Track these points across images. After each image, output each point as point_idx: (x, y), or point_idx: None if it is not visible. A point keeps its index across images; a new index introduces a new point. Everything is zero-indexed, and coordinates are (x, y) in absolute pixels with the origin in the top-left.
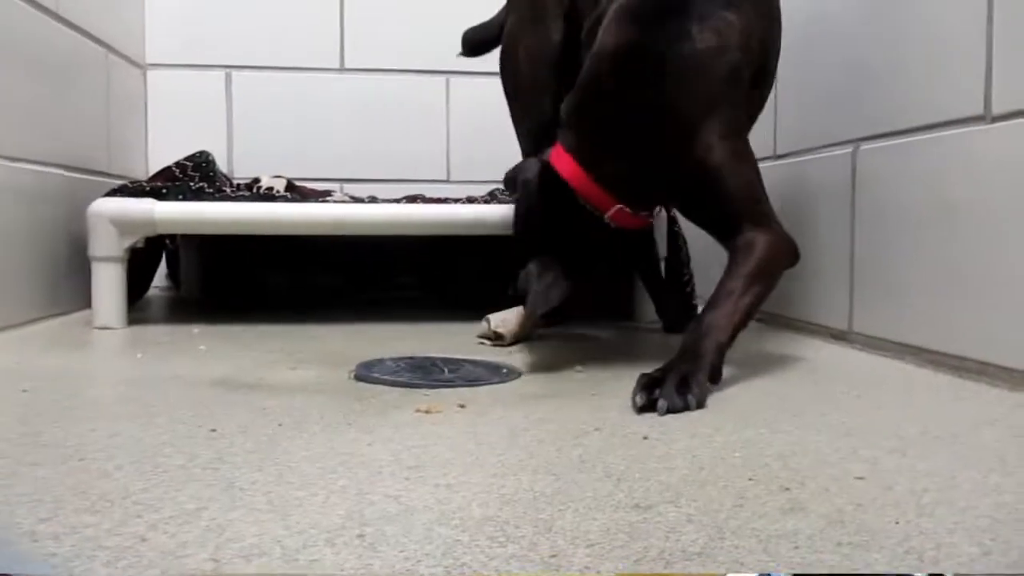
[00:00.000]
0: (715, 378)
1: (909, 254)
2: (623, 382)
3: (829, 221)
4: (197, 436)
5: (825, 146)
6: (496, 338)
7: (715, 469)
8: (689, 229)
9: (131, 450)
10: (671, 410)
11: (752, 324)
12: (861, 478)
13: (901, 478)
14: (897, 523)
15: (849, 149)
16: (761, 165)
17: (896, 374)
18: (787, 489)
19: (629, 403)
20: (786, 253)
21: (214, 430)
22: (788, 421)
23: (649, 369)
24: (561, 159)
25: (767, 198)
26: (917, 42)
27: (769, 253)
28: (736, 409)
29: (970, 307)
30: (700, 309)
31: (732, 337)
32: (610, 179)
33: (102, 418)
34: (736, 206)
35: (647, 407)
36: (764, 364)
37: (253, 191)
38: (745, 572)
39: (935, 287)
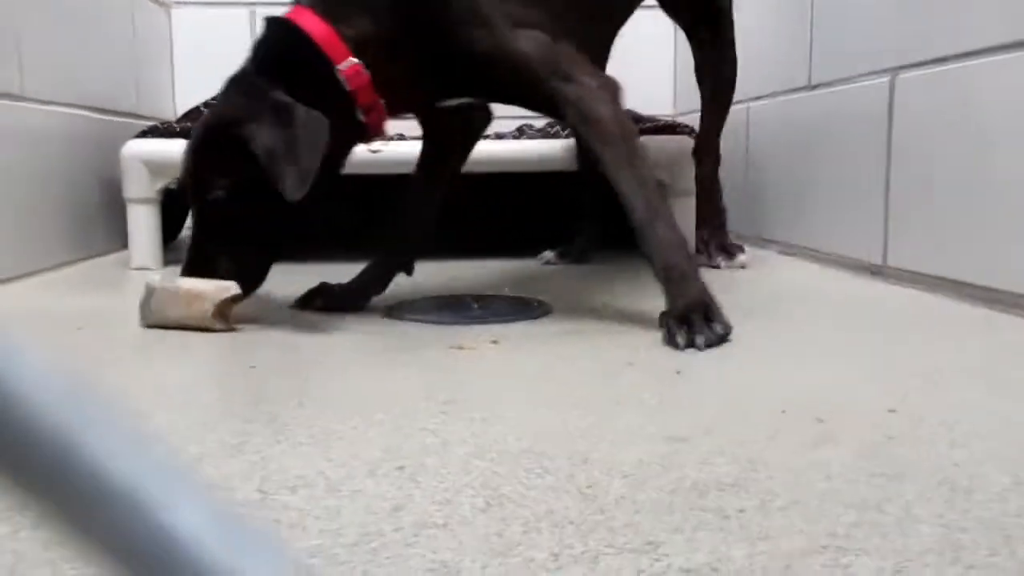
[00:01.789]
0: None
1: (946, 186)
2: (652, 317)
3: (863, 152)
4: (236, 373)
5: (862, 75)
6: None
7: (747, 403)
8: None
9: (173, 389)
10: (710, 344)
11: (781, 257)
12: (893, 411)
13: (933, 410)
14: (928, 455)
15: (886, 78)
16: (794, 96)
17: (930, 308)
18: (820, 421)
19: (659, 338)
20: (617, 104)
21: (253, 367)
22: (820, 355)
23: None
24: (298, 12)
25: (570, 52)
26: None
27: (614, 127)
28: (767, 344)
29: (1007, 239)
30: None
31: (684, 240)
32: (356, 39)
33: (142, 356)
34: (538, 80)
35: (689, 344)
36: (795, 298)
37: None
38: (778, 502)
39: (972, 219)
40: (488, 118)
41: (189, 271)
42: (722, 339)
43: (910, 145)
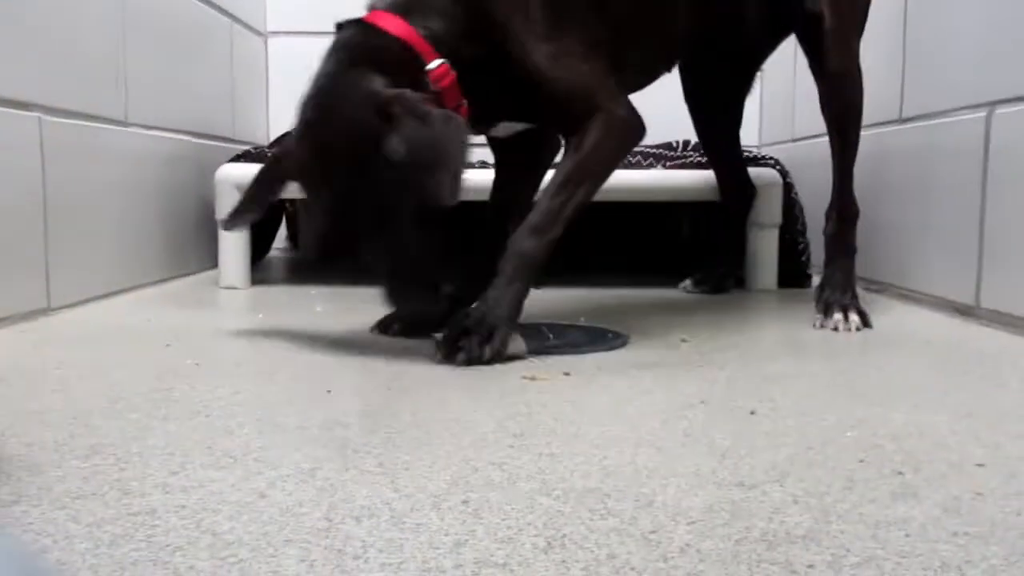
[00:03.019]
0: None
1: None
2: (729, 353)
3: (957, 188)
4: (313, 396)
5: (956, 109)
6: None
7: (824, 449)
8: (807, 198)
9: (252, 408)
10: (470, 362)
11: (868, 295)
12: (982, 464)
13: None
14: (1019, 515)
15: (983, 113)
16: (885, 129)
17: None
18: (900, 473)
19: (736, 375)
20: (617, 140)
21: (329, 391)
22: (905, 400)
23: (755, 339)
24: (377, 15)
25: (600, 86)
26: None
27: (588, 151)
28: (849, 385)
29: None
30: (815, 281)
31: (538, 266)
32: (436, 42)
33: (226, 376)
34: (568, 106)
35: (448, 359)
36: (881, 338)
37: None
38: (852, 558)
39: None
40: (556, 148)
41: (390, 305)
42: (481, 362)
43: (1006, 182)
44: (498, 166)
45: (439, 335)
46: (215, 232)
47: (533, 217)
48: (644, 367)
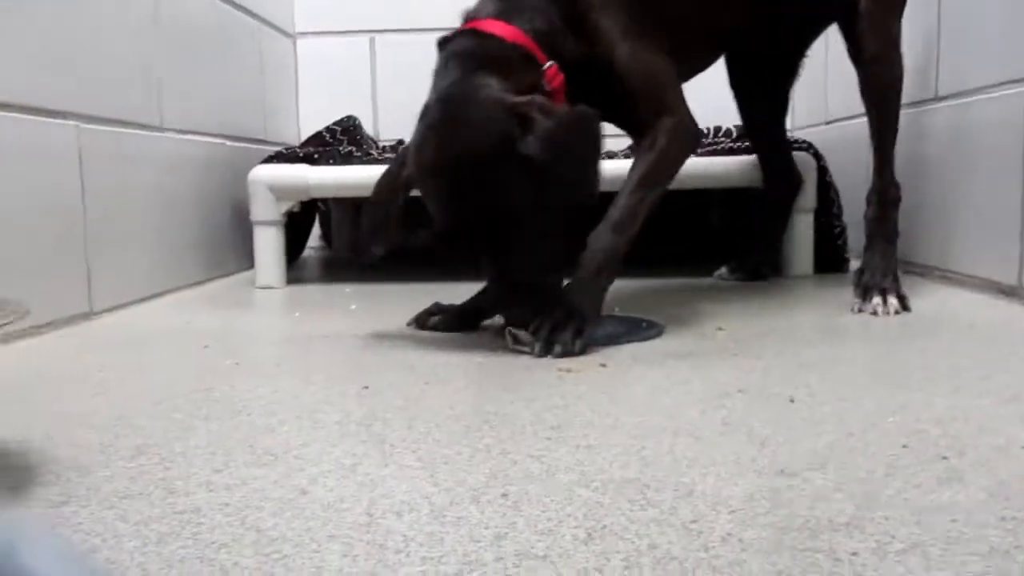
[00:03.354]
0: (597, 300)
1: None
2: (766, 341)
3: (997, 167)
4: (351, 393)
5: (994, 85)
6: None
7: (866, 435)
8: (842, 181)
9: (291, 406)
10: (565, 354)
11: (908, 277)
12: None
13: None
14: None
15: (1022, 88)
16: (920, 108)
17: None
18: (944, 458)
19: (773, 363)
20: (683, 142)
21: (366, 387)
22: (947, 383)
23: (791, 326)
24: (486, 23)
25: (671, 88)
26: None
27: (661, 153)
28: (890, 370)
29: None
30: (851, 265)
31: (619, 258)
32: (543, 45)
33: (265, 375)
34: (641, 103)
35: (544, 352)
36: (921, 321)
37: (399, 152)
38: (896, 545)
39: None
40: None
41: (506, 307)
42: (569, 355)
43: None
44: None
45: (522, 331)
46: (250, 233)
47: (613, 214)
48: (680, 357)
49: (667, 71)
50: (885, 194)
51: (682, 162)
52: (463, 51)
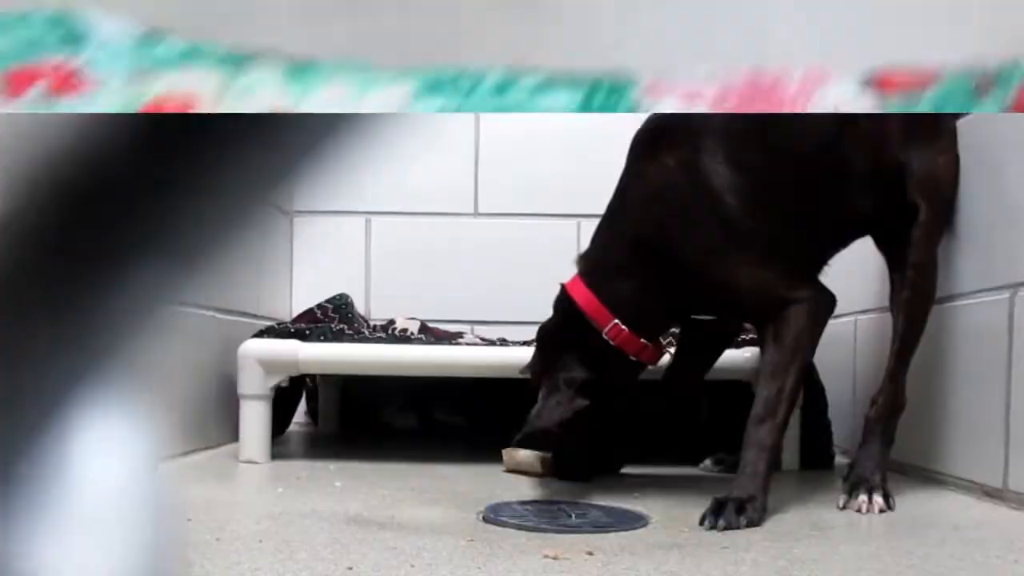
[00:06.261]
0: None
1: None
2: (754, 534)
3: (981, 370)
4: (335, 574)
5: (978, 291)
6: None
7: None
8: (827, 378)
9: None
10: (726, 527)
11: (891, 475)
12: None
13: None
14: None
15: (1006, 295)
16: None
17: None
18: None
19: (761, 557)
20: (810, 322)
21: (350, 568)
22: None
23: (778, 520)
24: (574, 282)
25: (779, 281)
26: None
27: (789, 344)
28: (880, 569)
29: None
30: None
31: (775, 447)
32: (612, 299)
33: (246, 551)
34: (756, 308)
35: (712, 527)
36: (908, 521)
37: (389, 332)
38: None
39: None
40: (737, 331)
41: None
42: (738, 525)
43: None
44: (679, 345)
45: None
46: (236, 405)
47: (756, 408)
48: (668, 548)
49: (773, 272)
50: (895, 399)
51: (816, 335)
52: (555, 307)
